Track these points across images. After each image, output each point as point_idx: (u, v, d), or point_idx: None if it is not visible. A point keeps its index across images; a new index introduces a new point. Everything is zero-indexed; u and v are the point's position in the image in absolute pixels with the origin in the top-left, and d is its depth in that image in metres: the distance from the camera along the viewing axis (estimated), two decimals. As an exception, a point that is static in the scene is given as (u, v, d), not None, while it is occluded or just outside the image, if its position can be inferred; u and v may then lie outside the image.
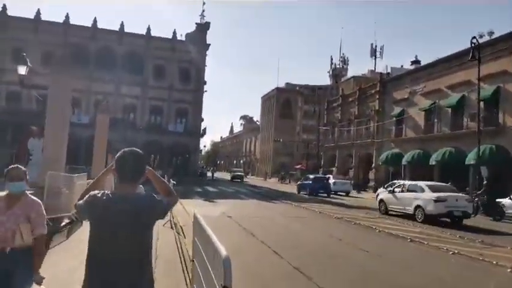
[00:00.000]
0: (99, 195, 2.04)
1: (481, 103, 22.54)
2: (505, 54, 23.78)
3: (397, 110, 34.34)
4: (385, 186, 21.41)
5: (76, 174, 10.37)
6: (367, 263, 7.33)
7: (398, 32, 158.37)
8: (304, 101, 77.60)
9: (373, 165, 36.59)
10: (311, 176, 30.19)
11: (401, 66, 42.32)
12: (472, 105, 25.61)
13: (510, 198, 17.38)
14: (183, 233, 9.58)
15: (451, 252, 8.21)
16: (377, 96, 38.03)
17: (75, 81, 41.60)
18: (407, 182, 17.12)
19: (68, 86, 9.77)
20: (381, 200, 16.83)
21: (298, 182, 33.08)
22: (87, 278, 2.01)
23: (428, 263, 7.46)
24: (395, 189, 16.01)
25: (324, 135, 48.66)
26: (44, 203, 3.37)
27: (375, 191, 28.01)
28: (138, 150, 2.19)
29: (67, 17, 43.92)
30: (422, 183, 15.28)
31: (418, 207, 13.96)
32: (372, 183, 35.96)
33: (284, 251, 7.68)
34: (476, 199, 17.83)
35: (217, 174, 61.17)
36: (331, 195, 27.06)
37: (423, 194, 14.10)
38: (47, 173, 8.68)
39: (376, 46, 73.00)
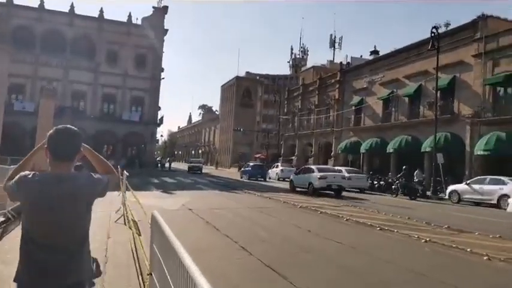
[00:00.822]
0: (30, 176, 1.90)
1: (438, 92, 23.13)
2: (462, 45, 24.54)
3: (356, 99, 34.79)
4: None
5: (11, 166, 8.99)
6: (342, 256, 6.84)
7: (357, 24, 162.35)
8: (264, 90, 77.33)
9: (332, 153, 36.98)
10: (250, 164, 37.06)
11: (361, 56, 42.87)
12: (428, 94, 26.34)
13: (466, 184, 17.94)
14: (137, 229, 8.60)
15: (423, 240, 7.96)
16: (337, 86, 38.32)
17: (17, 64, 38.53)
18: (307, 166, 23.44)
19: (3, 62, 8.37)
20: (291, 181, 22.67)
21: (241, 169, 38.23)
22: (22, 263, 1.91)
23: (403, 253, 7.13)
24: (300, 173, 21.64)
25: (284, 124, 48.57)
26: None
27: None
28: (72, 127, 2.04)
29: (9, -5, 39.94)
30: (313, 167, 21.91)
31: (310, 184, 19.43)
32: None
33: (252, 246, 7.00)
34: (397, 182, 21.22)
35: (175, 165, 59.46)
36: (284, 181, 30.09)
37: (313, 174, 19.54)
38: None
39: (335, 37, 74.25)
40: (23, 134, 35.77)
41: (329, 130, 38.22)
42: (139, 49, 44.57)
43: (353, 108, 34.54)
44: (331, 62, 65.37)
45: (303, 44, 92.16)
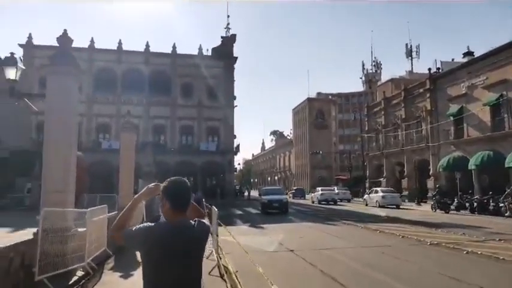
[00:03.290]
0: (154, 225, 2.05)
1: None
2: None
3: (454, 108, 30.32)
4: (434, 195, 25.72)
5: (89, 209, 7.66)
6: None
7: (429, 31, 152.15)
8: (338, 109, 73.93)
9: (431, 172, 32.40)
10: (294, 188, 43.95)
11: (453, 60, 38.14)
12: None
13: None
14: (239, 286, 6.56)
15: None
16: (427, 95, 34.09)
17: (102, 105, 40.68)
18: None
19: (71, 90, 7.19)
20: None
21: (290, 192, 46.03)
22: None
23: None
24: None
25: (366, 143, 44.78)
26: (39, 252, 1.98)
27: (439, 202, 24.38)
28: (184, 179, 2.23)
29: (92, 41, 43.17)
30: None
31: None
32: (431, 193, 31.80)
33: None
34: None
35: (252, 193, 58.21)
36: (384, 207, 27.83)
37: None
38: (42, 210, 5.99)
39: (411, 46, 69.13)
40: (110, 171, 37.07)
41: (423, 146, 33.84)
42: (211, 79, 44.89)
43: (451, 118, 30.10)
44: (411, 72, 60.61)
45: (375, 57, 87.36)
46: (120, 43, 43.85)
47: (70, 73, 7.15)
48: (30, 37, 40.82)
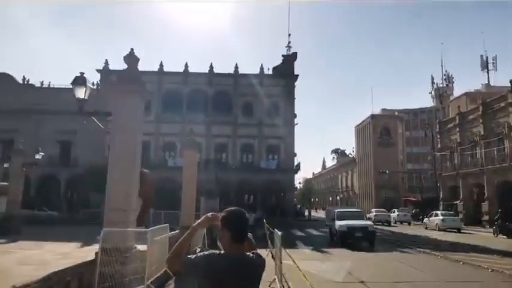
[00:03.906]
0: (215, 256, 2.08)
1: None
2: None
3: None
4: None
5: (150, 228, 7.49)
6: None
7: (505, 41, 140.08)
8: (405, 126, 69.95)
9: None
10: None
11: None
12: None
13: None
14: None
15: None
16: (510, 110, 30.71)
17: (168, 124, 42.56)
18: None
19: (136, 108, 7.18)
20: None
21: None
22: None
23: None
24: None
25: (439, 162, 41.37)
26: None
27: (501, 227, 23.37)
28: (242, 210, 2.25)
29: (161, 65, 45.72)
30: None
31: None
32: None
33: None
34: None
35: (313, 213, 56.48)
36: (445, 231, 27.22)
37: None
38: (102, 230, 5.86)
39: (487, 58, 63.92)
40: (175, 188, 38.12)
41: (506, 166, 30.33)
42: (272, 98, 44.94)
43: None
44: (487, 85, 55.77)
45: (445, 70, 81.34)
46: (186, 66, 45.91)
47: (136, 92, 7.15)
48: (106, 63, 44.31)
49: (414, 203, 48.89)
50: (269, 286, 8.26)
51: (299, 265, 11.16)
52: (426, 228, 30.42)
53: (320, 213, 66.78)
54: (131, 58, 7.69)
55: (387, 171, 48.55)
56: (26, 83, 45.38)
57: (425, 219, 32.14)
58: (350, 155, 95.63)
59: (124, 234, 6.59)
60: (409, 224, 37.63)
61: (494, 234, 23.75)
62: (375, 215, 37.99)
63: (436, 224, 28.79)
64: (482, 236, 24.43)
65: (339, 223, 17.24)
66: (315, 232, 25.05)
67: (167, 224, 9.19)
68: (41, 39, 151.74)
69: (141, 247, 7.28)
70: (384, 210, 41.89)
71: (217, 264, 2.03)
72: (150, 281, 7.31)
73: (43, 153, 21.40)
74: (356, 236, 16.45)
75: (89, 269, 5.06)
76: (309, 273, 9.94)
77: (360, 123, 78.39)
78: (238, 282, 2.01)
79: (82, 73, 7.35)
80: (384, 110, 76.07)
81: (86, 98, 7.31)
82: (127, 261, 6.46)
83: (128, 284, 6.35)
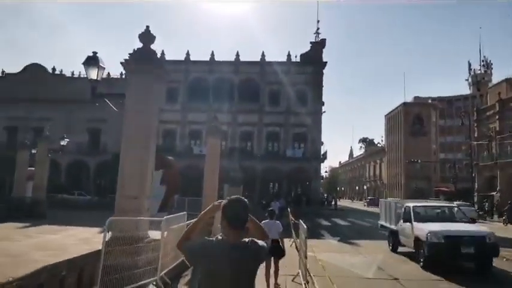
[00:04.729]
0: (211, 241, 2.14)
1: None
2: None
3: None
4: None
5: (165, 216, 7.06)
6: None
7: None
8: (439, 115, 66.99)
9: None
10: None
11: None
12: None
13: None
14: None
15: None
16: (557, 96, 28.43)
17: (195, 113, 42.71)
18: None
19: (151, 89, 6.69)
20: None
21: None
22: None
23: None
24: None
25: (475, 152, 39.21)
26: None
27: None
28: (243, 198, 2.30)
29: (188, 54, 45.56)
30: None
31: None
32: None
33: None
34: None
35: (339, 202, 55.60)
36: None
37: None
38: (108, 219, 5.45)
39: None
40: (200, 175, 38.21)
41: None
42: (300, 85, 43.97)
43: None
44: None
45: (484, 56, 76.46)
46: (212, 54, 45.52)
47: (150, 72, 6.65)
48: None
49: (447, 194, 46.85)
50: (292, 280, 7.71)
51: (325, 258, 10.57)
52: None
53: (345, 203, 65.58)
54: (146, 36, 7.20)
55: (419, 161, 46.48)
56: (58, 73, 46.50)
57: None
58: (378, 144, 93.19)
59: (135, 222, 6.19)
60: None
61: (504, 223, 24.72)
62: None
63: None
64: (493, 225, 23.57)
65: (424, 228, 9.83)
66: (342, 222, 24.29)
67: (184, 212, 8.78)
68: (72, 32, 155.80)
69: (157, 238, 6.89)
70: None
71: (210, 249, 2.09)
72: (163, 272, 6.93)
73: (68, 140, 21.74)
74: (463, 254, 9.18)
75: (91, 261, 4.65)
76: (336, 266, 9.32)
77: (391, 112, 75.81)
78: (229, 268, 2.04)
79: (95, 53, 6.94)
80: (416, 98, 73.09)
81: (98, 79, 6.90)
82: (139, 252, 6.07)
83: (139, 276, 5.96)
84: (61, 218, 17.86)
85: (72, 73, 45.78)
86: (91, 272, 4.58)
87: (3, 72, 46.57)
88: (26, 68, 45.32)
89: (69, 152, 39.55)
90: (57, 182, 39.27)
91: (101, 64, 6.90)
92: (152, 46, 6.82)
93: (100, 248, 5.30)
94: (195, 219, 2.39)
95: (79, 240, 11.05)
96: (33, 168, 19.90)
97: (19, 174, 20.05)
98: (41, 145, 19.26)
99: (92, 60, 6.84)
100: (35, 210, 17.85)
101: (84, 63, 6.79)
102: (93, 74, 6.86)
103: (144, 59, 6.67)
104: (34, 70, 44.59)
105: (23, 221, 16.38)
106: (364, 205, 57.92)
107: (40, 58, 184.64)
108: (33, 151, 20.43)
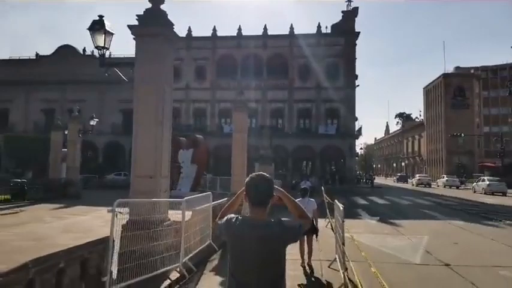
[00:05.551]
0: (233, 220, 2.13)
1: None
2: None
3: None
4: None
5: (185, 198, 6.38)
6: None
7: None
8: (482, 85, 62.57)
9: None
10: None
11: None
12: None
13: None
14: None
15: None
16: None
17: (224, 91, 42.03)
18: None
19: (162, 54, 5.92)
20: None
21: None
22: None
23: None
24: None
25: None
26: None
27: None
28: (266, 174, 2.21)
29: (214, 29, 44.56)
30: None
31: None
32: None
33: None
34: None
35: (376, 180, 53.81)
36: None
37: None
38: (116, 201, 4.81)
39: None
40: (230, 154, 37.89)
41: None
42: (331, 58, 42.09)
43: None
44: None
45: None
46: (239, 29, 44.24)
47: (159, 34, 5.85)
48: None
49: (492, 169, 43.99)
50: (328, 267, 6.91)
51: (364, 240, 9.67)
52: (474, 192, 32.76)
53: (381, 180, 63.54)
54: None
55: (462, 135, 43.67)
56: (89, 54, 47.06)
57: (474, 184, 34.72)
58: (416, 119, 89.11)
59: (153, 205, 5.54)
60: (457, 188, 41.27)
61: None
62: (418, 179, 45.90)
63: (483, 188, 31.42)
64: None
65: None
66: (380, 201, 23.05)
67: (209, 193, 8.12)
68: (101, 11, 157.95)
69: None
70: (426, 175, 50.61)
71: (233, 227, 2.09)
72: (187, 257, 6.31)
73: (97, 119, 21.72)
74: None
75: (99, 249, 4.03)
76: (378, 251, 8.42)
77: (430, 84, 71.68)
78: (254, 246, 2.01)
79: (101, 16, 6.21)
80: (457, 68, 68.45)
81: (106, 45, 6.20)
82: (157, 236, 5.45)
83: (159, 263, 5.36)
84: (95, 198, 17.97)
85: (103, 54, 46.19)
86: (98, 261, 3.97)
87: (37, 55, 47.62)
88: (57, 50, 46.08)
89: (104, 133, 40.36)
90: (94, 163, 40.33)
91: (108, 29, 6.17)
92: (162, 7, 5.99)
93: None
94: (234, 197, 2.36)
95: (106, 221, 10.78)
96: (65, 150, 20.08)
97: (54, 155, 20.34)
98: (72, 125, 19.31)
99: (97, 25, 6.12)
100: (69, 191, 18.03)
101: (89, 28, 6.08)
102: (100, 40, 6.16)
103: (152, 21, 5.86)
104: (65, 52, 45.27)
105: (57, 201, 16.61)
106: (394, 181, 57.78)
107: (71, 40, 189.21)
108: (66, 132, 20.59)
